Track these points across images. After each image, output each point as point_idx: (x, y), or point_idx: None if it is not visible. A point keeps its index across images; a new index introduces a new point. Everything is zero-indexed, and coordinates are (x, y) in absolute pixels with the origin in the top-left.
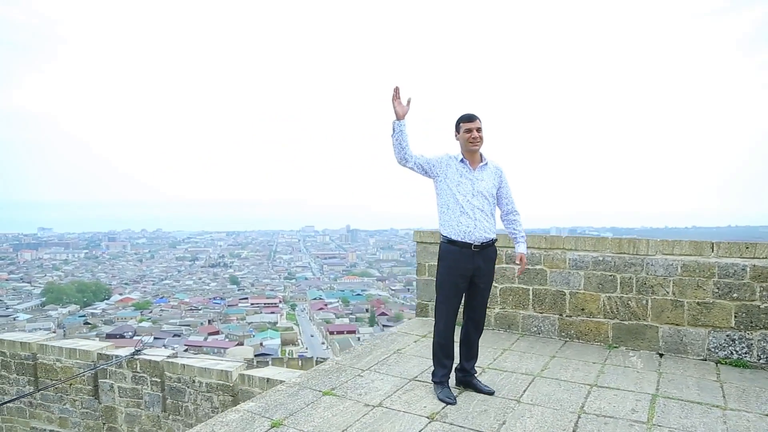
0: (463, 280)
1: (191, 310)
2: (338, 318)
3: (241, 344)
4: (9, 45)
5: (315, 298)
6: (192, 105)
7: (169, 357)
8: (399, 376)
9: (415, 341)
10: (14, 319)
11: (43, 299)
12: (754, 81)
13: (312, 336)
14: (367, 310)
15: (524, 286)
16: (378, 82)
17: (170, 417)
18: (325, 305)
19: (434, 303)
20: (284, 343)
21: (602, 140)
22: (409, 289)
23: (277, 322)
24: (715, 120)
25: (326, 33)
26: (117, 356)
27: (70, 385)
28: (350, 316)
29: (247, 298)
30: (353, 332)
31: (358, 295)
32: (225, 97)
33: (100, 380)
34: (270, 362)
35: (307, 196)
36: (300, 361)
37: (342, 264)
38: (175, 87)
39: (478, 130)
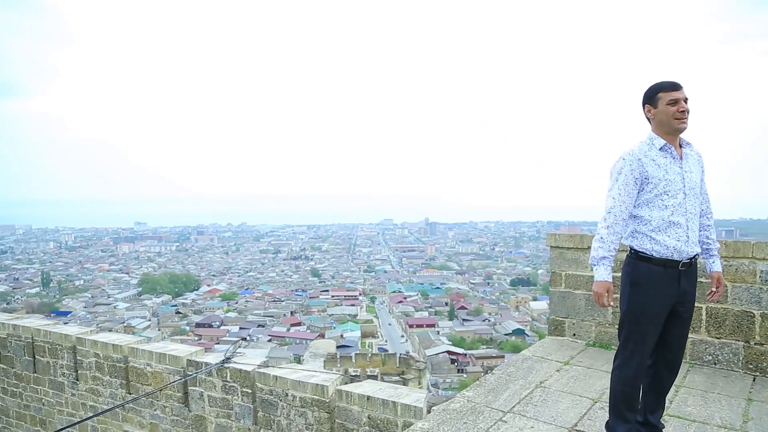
0: (665, 310)
1: (274, 301)
2: (417, 311)
3: (323, 336)
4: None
5: (394, 291)
6: (270, 100)
7: (260, 366)
8: (553, 423)
9: (558, 370)
10: (114, 308)
11: (140, 289)
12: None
13: (390, 324)
14: (446, 304)
15: (696, 305)
16: (455, 68)
17: (261, 431)
18: (405, 298)
19: (577, 322)
20: (364, 335)
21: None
22: (488, 283)
23: (357, 315)
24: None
25: (384, 20)
26: (207, 364)
27: (161, 390)
28: (429, 309)
29: (327, 291)
30: (432, 326)
31: (437, 288)
32: (301, 92)
33: (189, 387)
34: (360, 375)
35: (386, 189)
36: (382, 356)
37: (421, 257)
38: (252, 82)
39: (686, 100)
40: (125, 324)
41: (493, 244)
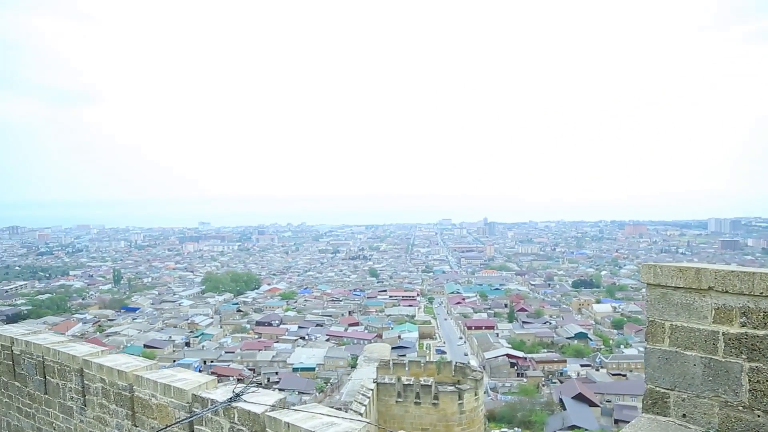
0: None
1: (333, 301)
2: (476, 312)
3: (380, 336)
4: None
5: (452, 292)
6: (329, 100)
7: (273, 408)
8: None
9: None
10: (179, 305)
11: (203, 287)
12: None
13: (445, 320)
14: (506, 305)
15: None
16: (506, 63)
17: None
18: (463, 299)
19: (689, 398)
20: (422, 336)
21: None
22: (549, 284)
23: (414, 315)
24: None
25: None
26: (213, 401)
27: (166, 428)
28: (488, 310)
29: (385, 291)
30: (492, 328)
31: (497, 289)
32: (358, 91)
33: (195, 427)
34: (413, 383)
35: (445, 188)
36: (437, 364)
37: (480, 257)
38: (310, 83)
39: None
40: (189, 321)
41: (554, 244)
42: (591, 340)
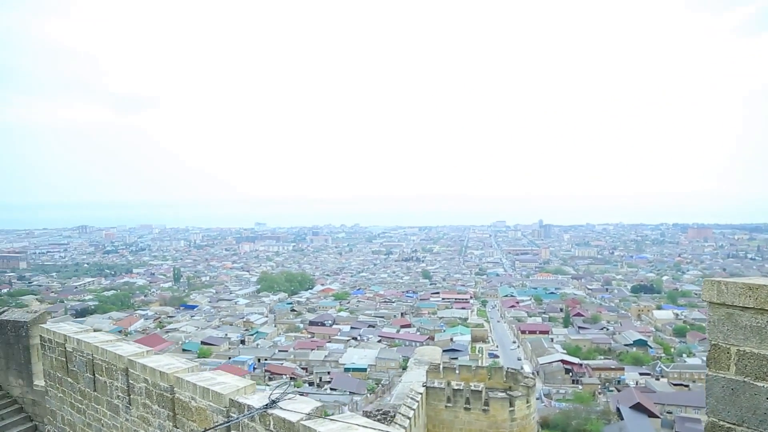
0: None
1: (385, 302)
2: (530, 317)
3: (432, 339)
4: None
5: (506, 295)
6: (383, 103)
7: (309, 416)
8: None
9: None
10: (235, 303)
11: (258, 286)
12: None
13: (498, 323)
14: (561, 310)
15: None
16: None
17: None
18: (517, 303)
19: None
20: (474, 339)
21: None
22: (607, 289)
23: (467, 318)
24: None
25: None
26: (249, 407)
27: (204, 430)
28: (543, 315)
29: (438, 293)
30: (546, 332)
31: (552, 293)
32: (410, 93)
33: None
34: (464, 388)
35: (499, 190)
36: (488, 369)
37: (534, 260)
38: (360, 85)
39: None
40: (245, 319)
41: (612, 247)
42: (651, 347)
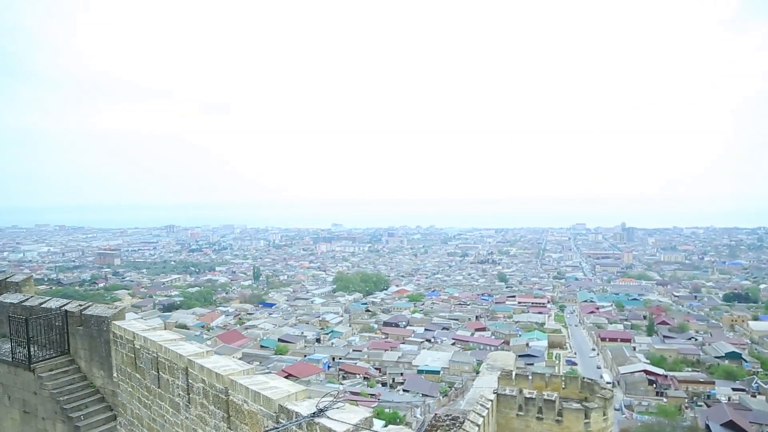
0: None
1: (460, 304)
2: (611, 323)
3: (507, 343)
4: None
5: (586, 300)
6: (458, 104)
7: (357, 426)
8: None
9: None
10: (311, 302)
11: (334, 286)
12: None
13: (576, 327)
14: (644, 317)
15: None
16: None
17: None
18: (597, 308)
19: None
20: (551, 345)
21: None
22: (696, 297)
23: (544, 323)
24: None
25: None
26: (297, 414)
27: None
28: (625, 322)
29: (514, 296)
30: (628, 340)
31: (635, 299)
32: (483, 96)
33: None
34: (536, 397)
35: (579, 191)
36: (563, 378)
37: (616, 265)
38: (435, 89)
39: None
40: (320, 318)
41: (701, 252)
42: (746, 361)
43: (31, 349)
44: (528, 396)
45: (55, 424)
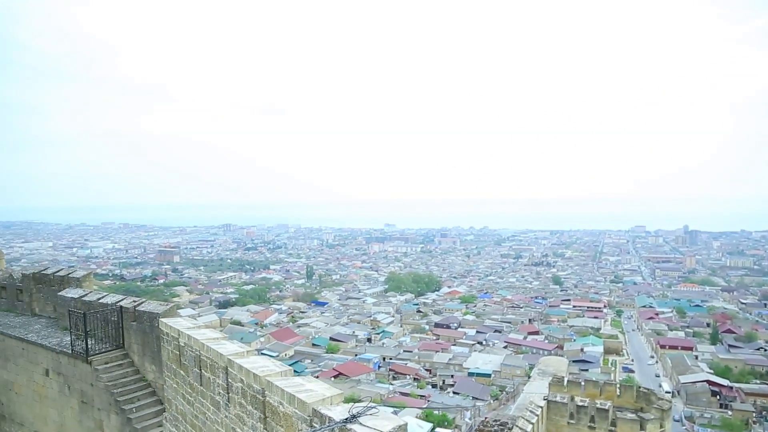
0: None
1: (513, 307)
2: (671, 330)
3: (561, 348)
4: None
5: (644, 306)
6: (508, 103)
7: None
8: None
9: None
10: (363, 302)
11: (386, 286)
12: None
13: (633, 333)
14: (708, 325)
15: None
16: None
17: None
18: (656, 314)
19: None
20: (607, 351)
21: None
22: (765, 305)
23: (600, 328)
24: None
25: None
26: (330, 419)
27: None
28: (686, 329)
29: (569, 300)
30: (689, 349)
31: (697, 306)
32: (535, 94)
33: None
34: (588, 405)
35: (638, 192)
36: (617, 386)
37: (678, 269)
38: (487, 86)
39: None
40: (372, 318)
41: None
42: None
43: (89, 342)
44: (580, 404)
45: (110, 415)
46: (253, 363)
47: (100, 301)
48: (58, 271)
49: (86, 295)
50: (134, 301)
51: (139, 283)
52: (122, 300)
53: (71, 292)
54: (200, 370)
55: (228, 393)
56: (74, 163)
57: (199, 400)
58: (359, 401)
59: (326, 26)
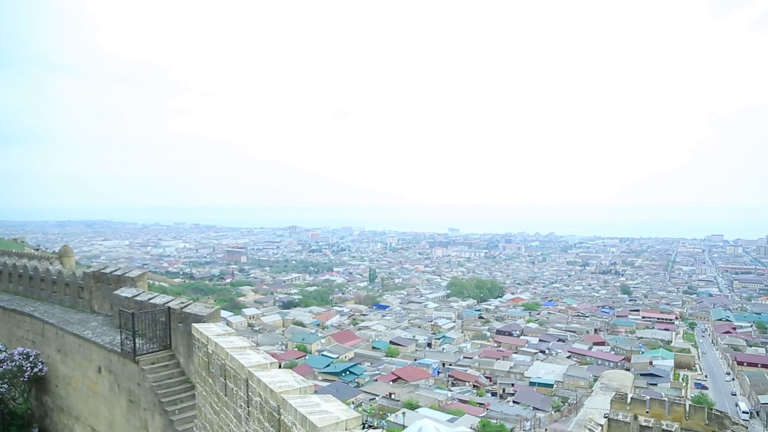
0: None
1: (578, 316)
2: (750, 346)
3: (628, 360)
4: None
5: (720, 319)
6: (582, 106)
7: None
8: None
9: None
10: (425, 306)
11: (448, 291)
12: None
13: (707, 349)
14: None
15: None
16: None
17: None
18: (734, 329)
19: None
20: (678, 366)
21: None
22: None
23: (671, 341)
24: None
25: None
26: None
27: None
28: (767, 345)
29: (638, 310)
30: None
31: None
32: (618, 95)
33: None
34: (653, 426)
35: (716, 199)
36: (686, 407)
37: (759, 281)
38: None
39: None
40: (433, 323)
41: None
42: None
43: (137, 342)
44: (644, 424)
45: (154, 415)
46: (272, 377)
47: (151, 301)
48: (115, 270)
49: (138, 294)
50: (182, 303)
51: (207, 282)
52: (171, 301)
53: (125, 291)
54: (225, 379)
55: (248, 407)
56: (152, 165)
57: (224, 410)
58: (411, 408)
59: (391, 28)
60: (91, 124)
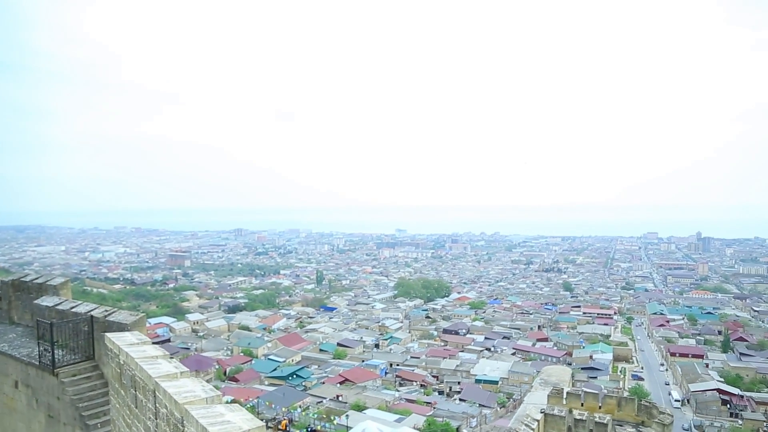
0: None
1: (522, 313)
2: (682, 338)
3: (570, 354)
4: None
5: (655, 313)
6: (521, 109)
7: None
8: None
9: None
10: (372, 308)
11: (395, 292)
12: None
13: (646, 349)
14: (719, 333)
15: None
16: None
17: None
18: (667, 321)
19: None
20: (617, 359)
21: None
22: None
23: (610, 335)
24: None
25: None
26: None
27: None
28: (697, 337)
29: (579, 306)
30: (700, 357)
31: (709, 313)
32: (549, 98)
33: None
34: (586, 419)
35: (649, 198)
36: (617, 399)
37: (690, 276)
38: (496, 94)
39: None
40: (380, 324)
41: None
42: None
43: (57, 354)
44: (578, 417)
45: (75, 430)
46: (178, 387)
47: (73, 310)
48: (36, 278)
49: (60, 303)
50: (106, 311)
51: (149, 288)
52: (94, 309)
53: (46, 300)
54: (135, 391)
55: (156, 419)
56: (86, 167)
57: (135, 423)
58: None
59: (335, 31)
60: (14, 124)
